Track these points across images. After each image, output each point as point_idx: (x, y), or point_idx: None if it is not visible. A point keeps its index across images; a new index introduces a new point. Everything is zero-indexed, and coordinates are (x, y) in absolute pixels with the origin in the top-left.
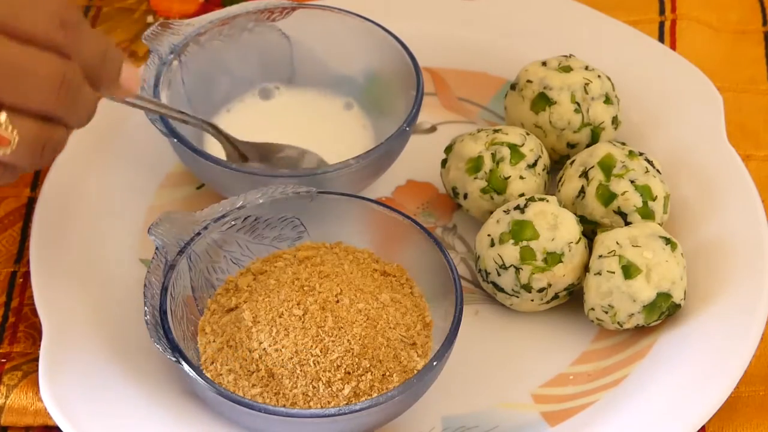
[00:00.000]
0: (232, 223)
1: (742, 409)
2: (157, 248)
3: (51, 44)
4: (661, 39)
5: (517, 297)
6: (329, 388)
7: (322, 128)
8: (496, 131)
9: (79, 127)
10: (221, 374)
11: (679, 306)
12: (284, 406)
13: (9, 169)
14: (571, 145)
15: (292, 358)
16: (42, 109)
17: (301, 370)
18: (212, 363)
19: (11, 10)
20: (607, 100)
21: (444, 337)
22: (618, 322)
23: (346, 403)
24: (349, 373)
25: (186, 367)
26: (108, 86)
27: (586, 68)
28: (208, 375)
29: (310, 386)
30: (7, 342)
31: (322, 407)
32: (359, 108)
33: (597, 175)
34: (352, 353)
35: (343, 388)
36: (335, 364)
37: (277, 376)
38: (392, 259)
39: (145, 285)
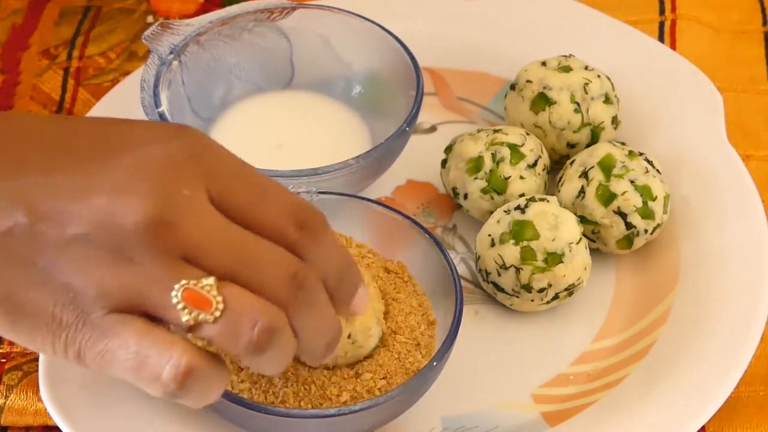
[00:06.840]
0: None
1: (742, 409)
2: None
3: (281, 238)
4: (661, 39)
5: (518, 297)
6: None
7: (321, 128)
8: (496, 131)
9: (313, 345)
10: None
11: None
12: (273, 403)
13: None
14: (571, 145)
15: None
16: (268, 294)
17: (292, 370)
18: None
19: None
20: (607, 100)
21: (444, 337)
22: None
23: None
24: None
25: None
26: (337, 307)
27: (586, 68)
28: None
29: (302, 386)
30: (7, 342)
31: (313, 406)
32: (359, 108)
33: (597, 176)
34: None
35: None
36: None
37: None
38: (392, 259)
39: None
